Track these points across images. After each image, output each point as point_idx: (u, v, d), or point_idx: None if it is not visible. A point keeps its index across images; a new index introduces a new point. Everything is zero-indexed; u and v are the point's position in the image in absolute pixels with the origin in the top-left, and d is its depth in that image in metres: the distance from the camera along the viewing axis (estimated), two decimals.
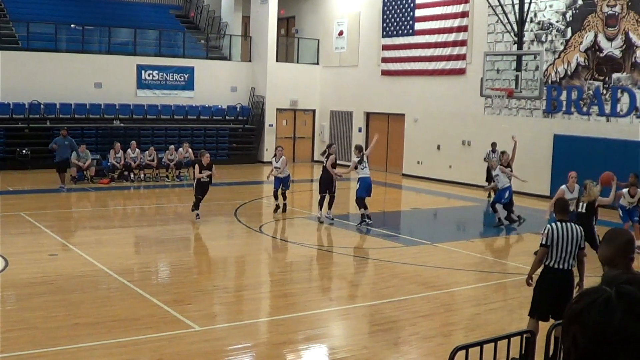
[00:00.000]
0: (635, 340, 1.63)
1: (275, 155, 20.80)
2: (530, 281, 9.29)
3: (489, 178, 24.55)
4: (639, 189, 16.72)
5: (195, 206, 18.84)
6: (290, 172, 21.02)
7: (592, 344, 1.67)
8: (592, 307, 1.69)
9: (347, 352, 9.56)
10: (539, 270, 9.19)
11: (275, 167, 20.38)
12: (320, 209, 19.53)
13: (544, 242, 8.94)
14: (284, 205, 20.40)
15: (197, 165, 19.02)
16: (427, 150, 30.05)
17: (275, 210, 20.29)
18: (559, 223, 8.97)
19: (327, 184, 19.56)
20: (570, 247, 8.81)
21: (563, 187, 15.37)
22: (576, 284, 9.00)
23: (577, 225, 9.11)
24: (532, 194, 22.61)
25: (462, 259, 15.52)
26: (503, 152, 20.85)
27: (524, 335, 7.67)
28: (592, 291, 1.75)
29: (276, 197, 20.36)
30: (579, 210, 14.26)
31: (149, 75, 32.29)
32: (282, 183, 20.34)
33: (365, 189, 18.88)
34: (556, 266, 8.85)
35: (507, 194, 19.20)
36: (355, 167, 19.21)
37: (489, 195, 24.77)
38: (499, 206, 19.47)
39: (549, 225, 9.05)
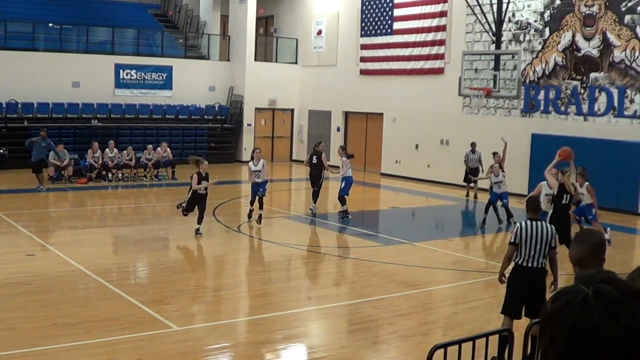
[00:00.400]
0: (613, 340, 1.62)
1: (252, 157, 18.98)
2: (503, 278, 9.34)
3: (467, 178, 24.66)
4: (586, 182, 16.86)
5: (199, 221, 17.11)
6: (268, 176, 19.79)
7: (569, 345, 1.66)
8: (570, 307, 1.68)
9: (325, 351, 9.56)
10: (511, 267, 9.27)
11: (254, 171, 18.72)
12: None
13: (512, 240, 9.04)
14: (259, 216, 18.74)
15: (195, 176, 17.12)
16: (405, 150, 30.11)
17: (250, 215, 19.04)
18: (529, 222, 9.04)
19: (315, 180, 20.11)
20: (539, 245, 8.87)
21: (543, 182, 15.51)
22: (551, 283, 9.05)
23: (548, 224, 9.19)
24: (509, 193, 22.64)
25: (440, 258, 15.58)
26: (495, 153, 20.91)
27: (502, 334, 7.69)
28: (569, 290, 1.73)
29: (252, 204, 18.97)
30: (564, 202, 14.41)
31: (127, 75, 32.12)
32: (261, 189, 18.75)
33: (349, 188, 19.89)
34: (525, 264, 8.92)
35: (507, 195, 19.67)
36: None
37: (467, 195, 24.87)
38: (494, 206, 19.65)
39: (518, 224, 9.17)
